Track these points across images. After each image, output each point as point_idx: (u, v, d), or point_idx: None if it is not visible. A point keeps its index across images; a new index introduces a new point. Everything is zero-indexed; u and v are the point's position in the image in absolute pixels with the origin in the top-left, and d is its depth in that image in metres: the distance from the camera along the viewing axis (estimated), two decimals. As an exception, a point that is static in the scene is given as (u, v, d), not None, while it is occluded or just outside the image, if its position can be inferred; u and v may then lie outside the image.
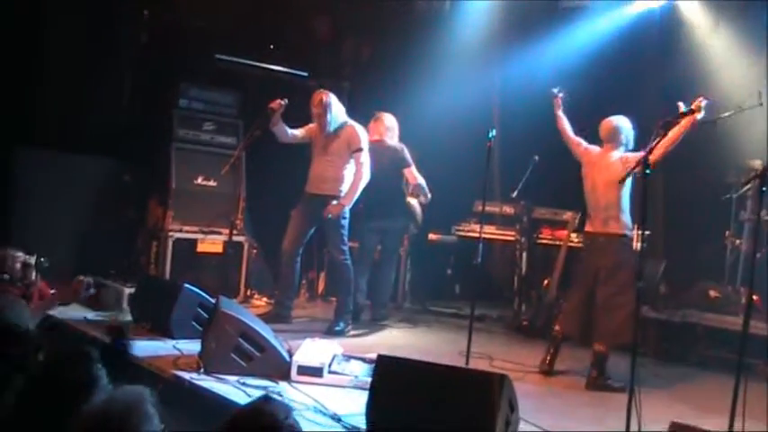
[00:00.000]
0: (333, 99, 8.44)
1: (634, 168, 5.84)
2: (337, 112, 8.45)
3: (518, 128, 8.91)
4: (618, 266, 7.11)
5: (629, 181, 6.99)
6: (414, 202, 9.64)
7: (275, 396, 5.09)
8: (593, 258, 7.31)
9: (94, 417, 2.89)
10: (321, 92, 8.53)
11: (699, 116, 6.56)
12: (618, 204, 7.11)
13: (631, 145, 7.26)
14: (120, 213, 9.60)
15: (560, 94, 7.61)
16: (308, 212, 8.49)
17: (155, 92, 9.77)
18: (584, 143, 7.52)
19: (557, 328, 7.46)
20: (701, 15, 9.74)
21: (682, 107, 6.70)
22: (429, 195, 9.37)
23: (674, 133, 6.62)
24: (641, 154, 6.82)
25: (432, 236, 10.72)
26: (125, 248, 9.63)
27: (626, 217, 7.14)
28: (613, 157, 7.19)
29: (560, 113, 7.62)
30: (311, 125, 8.59)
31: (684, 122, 6.62)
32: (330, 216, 8.30)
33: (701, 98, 6.43)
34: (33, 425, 3.29)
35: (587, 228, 7.47)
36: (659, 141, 6.16)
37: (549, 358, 7.38)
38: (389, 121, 9.22)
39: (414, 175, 9.28)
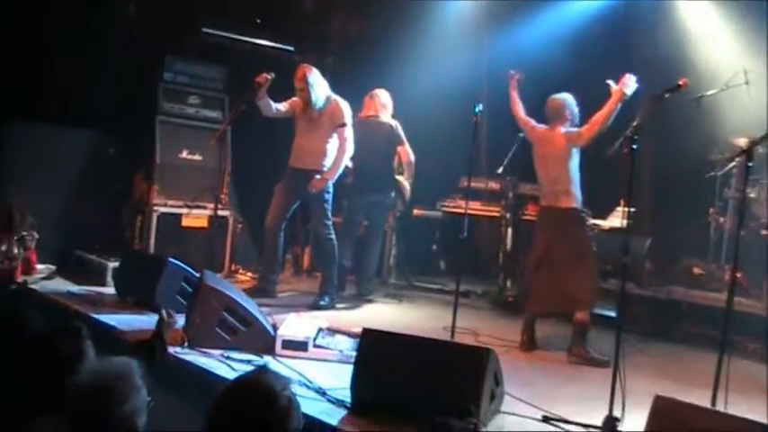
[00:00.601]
0: (315, 73, 8.43)
1: (623, 141, 5.81)
2: (320, 86, 8.45)
3: (505, 104, 8.87)
4: (571, 238, 7.32)
5: (576, 155, 7.25)
6: (401, 179, 9.65)
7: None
8: (547, 232, 7.46)
9: (84, 387, 2.88)
10: (304, 66, 8.51)
11: (627, 92, 6.98)
12: (567, 178, 7.30)
13: (576, 121, 7.45)
14: (105, 187, 9.52)
15: (517, 76, 7.74)
16: (291, 187, 8.48)
17: (140, 65, 9.68)
18: (532, 122, 7.68)
19: (528, 307, 7.50)
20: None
21: (612, 85, 7.05)
22: (412, 175, 9.43)
23: (607, 108, 7.05)
24: (584, 128, 7.21)
25: (417, 211, 10.73)
26: (110, 223, 9.58)
27: (576, 190, 7.33)
28: (561, 131, 7.40)
29: (515, 94, 7.76)
30: (295, 99, 8.56)
31: (614, 98, 7.02)
32: (314, 190, 8.29)
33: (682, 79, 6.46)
34: (20, 398, 3.28)
35: (541, 202, 7.63)
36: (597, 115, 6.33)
37: (525, 337, 7.44)
38: (384, 97, 9.24)
39: (407, 152, 9.32)
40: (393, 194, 9.56)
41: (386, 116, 9.21)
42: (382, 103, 9.21)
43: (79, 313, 7.01)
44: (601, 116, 7.09)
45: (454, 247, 9.36)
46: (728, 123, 8.81)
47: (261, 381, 2.90)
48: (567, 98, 7.49)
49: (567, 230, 7.33)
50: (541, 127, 7.58)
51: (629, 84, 7.00)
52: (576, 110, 7.45)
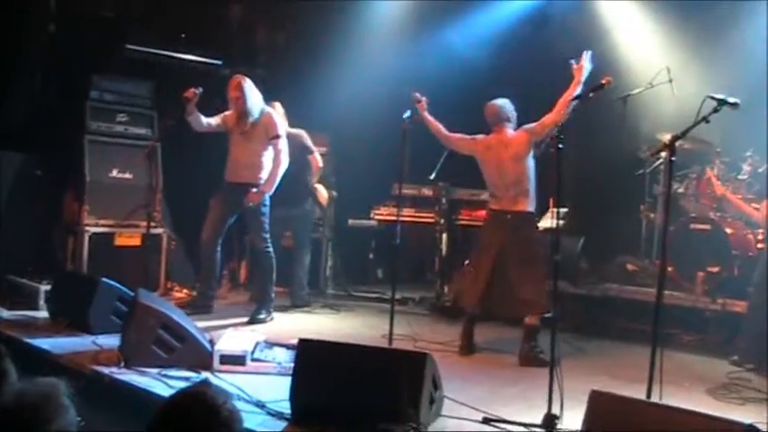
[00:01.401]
0: (250, 84, 8.38)
1: (550, 140, 5.88)
2: (255, 97, 8.39)
3: (435, 107, 8.91)
4: (526, 242, 7.32)
5: (531, 157, 7.28)
6: (320, 187, 9.69)
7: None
8: (500, 235, 7.38)
9: (6, 408, 2.82)
10: (238, 76, 8.46)
11: (588, 66, 7.08)
12: (527, 177, 7.32)
13: (515, 122, 7.49)
14: (34, 209, 9.33)
15: (423, 99, 7.67)
16: (227, 201, 8.43)
17: (65, 84, 9.52)
18: (465, 136, 7.68)
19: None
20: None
21: (574, 63, 7.10)
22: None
23: (571, 89, 7.05)
24: (546, 116, 7.15)
25: (351, 221, 10.74)
26: (41, 245, 9.39)
27: (533, 191, 7.34)
28: (510, 133, 7.42)
29: (427, 115, 7.69)
30: (227, 113, 8.51)
31: (577, 77, 7.05)
32: (251, 204, 8.24)
33: (607, 79, 6.53)
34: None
35: (493, 206, 7.57)
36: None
37: (464, 342, 7.47)
38: (281, 109, 9.22)
39: (317, 159, 9.50)
40: (308, 204, 9.60)
41: (288, 127, 9.23)
42: (282, 113, 9.20)
43: (11, 338, 6.87)
44: (567, 97, 7.02)
45: (391, 254, 9.38)
46: (656, 121, 8.98)
47: (202, 393, 2.87)
48: (503, 101, 7.51)
49: (523, 234, 7.32)
50: (482, 136, 7.55)
51: (588, 59, 7.07)
52: (514, 113, 7.48)
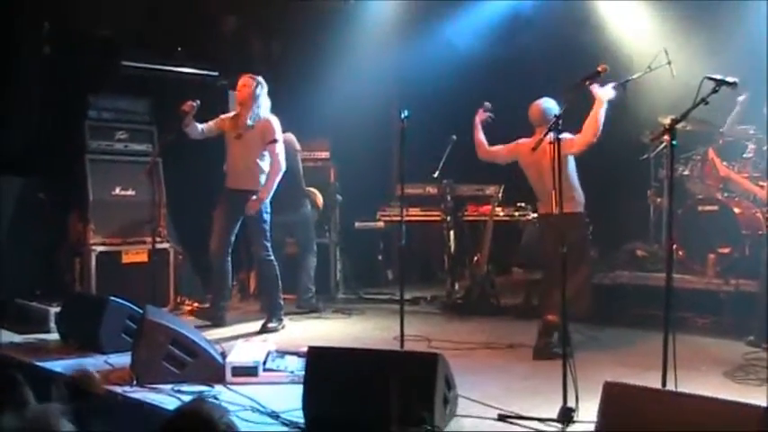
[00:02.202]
0: (263, 84, 8.39)
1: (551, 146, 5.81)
2: (263, 101, 8.40)
3: (437, 106, 8.87)
4: (572, 242, 7.10)
5: (571, 158, 7.16)
6: (315, 190, 9.70)
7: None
8: (552, 238, 7.09)
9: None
10: (251, 76, 8.44)
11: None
12: (569, 182, 7.08)
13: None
14: (39, 232, 9.33)
15: (486, 114, 7.62)
16: (229, 208, 8.41)
17: (63, 105, 9.52)
18: (506, 146, 7.56)
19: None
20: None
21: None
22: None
23: (591, 118, 6.98)
24: (572, 139, 7.02)
25: (358, 224, 10.71)
26: (48, 268, 9.39)
27: (578, 194, 7.18)
28: (551, 138, 7.19)
29: (479, 125, 7.63)
30: (222, 117, 8.53)
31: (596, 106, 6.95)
32: (251, 212, 8.21)
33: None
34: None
35: (541, 210, 7.45)
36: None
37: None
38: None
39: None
40: (306, 208, 9.63)
41: None
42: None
43: (23, 363, 6.86)
44: (594, 116, 7.02)
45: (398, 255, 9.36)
46: (656, 104, 8.91)
47: (198, 410, 2.91)
48: (548, 102, 7.30)
49: (572, 235, 7.09)
50: (525, 141, 7.36)
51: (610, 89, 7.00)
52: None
